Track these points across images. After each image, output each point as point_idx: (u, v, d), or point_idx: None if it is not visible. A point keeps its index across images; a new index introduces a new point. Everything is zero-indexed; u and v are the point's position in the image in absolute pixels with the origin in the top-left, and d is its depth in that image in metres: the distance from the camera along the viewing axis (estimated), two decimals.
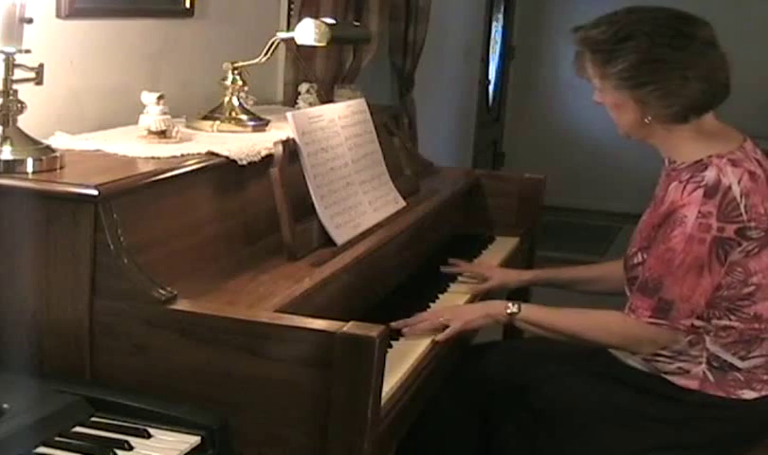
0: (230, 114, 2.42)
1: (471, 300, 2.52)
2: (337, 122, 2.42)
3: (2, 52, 1.76)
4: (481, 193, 3.21)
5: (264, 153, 2.17)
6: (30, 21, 1.79)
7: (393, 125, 3.00)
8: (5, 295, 1.74)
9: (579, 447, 2.19)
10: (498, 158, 7.35)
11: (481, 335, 2.56)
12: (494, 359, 2.38)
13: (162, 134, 2.11)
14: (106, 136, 2.13)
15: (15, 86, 1.80)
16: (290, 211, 2.09)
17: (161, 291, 1.70)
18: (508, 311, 2.20)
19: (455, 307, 2.36)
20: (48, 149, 1.84)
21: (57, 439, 1.45)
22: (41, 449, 1.42)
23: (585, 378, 2.23)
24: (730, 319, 2.09)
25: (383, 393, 1.73)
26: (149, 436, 1.51)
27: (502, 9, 6.95)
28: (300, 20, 2.57)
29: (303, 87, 2.89)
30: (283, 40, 2.55)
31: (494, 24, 6.78)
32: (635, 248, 2.19)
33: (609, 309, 2.17)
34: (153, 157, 1.97)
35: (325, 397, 1.64)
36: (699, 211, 2.00)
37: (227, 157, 2.06)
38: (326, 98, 2.99)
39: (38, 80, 1.83)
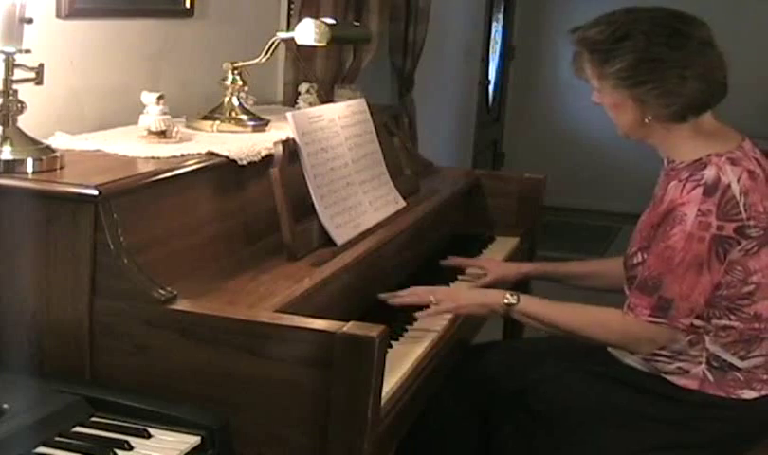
0: (230, 114, 2.42)
1: None
2: (337, 122, 2.42)
3: (2, 52, 1.76)
4: (481, 193, 3.21)
5: (264, 153, 2.17)
6: (30, 21, 1.79)
7: (393, 125, 3.00)
8: (5, 295, 1.74)
9: (579, 447, 2.19)
10: (498, 158, 7.35)
11: (481, 335, 2.57)
12: (494, 359, 2.38)
13: (162, 134, 2.11)
14: (106, 136, 2.13)
15: (15, 86, 1.80)
16: (290, 211, 2.09)
17: (161, 291, 1.70)
18: (506, 301, 2.20)
19: (452, 289, 2.40)
20: (48, 149, 1.84)
21: (57, 439, 1.45)
22: (41, 449, 1.42)
23: (584, 378, 2.23)
24: (730, 319, 2.09)
25: (383, 393, 1.73)
26: (149, 436, 1.51)
27: (502, 9, 6.95)
28: (300, 20, 2.57)
29: (303, 87, 2.89)
30: (283, 40, 2.55)
31: (494, 24, 6.78)
32: (635, 248, 2.19)
33: (608, 306, 2.17)
34: (153, 157, 1.97)
35: (325, 397, 1.64)
36: (698, 210, 2.01)
37: (227, 157, 2.06)
38: (326, 98, 2.99)
39: (38, 80, 1.83)
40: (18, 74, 1.80)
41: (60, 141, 2.02)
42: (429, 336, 2.18)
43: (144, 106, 2.13)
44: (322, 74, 3.30)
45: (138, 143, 2.08)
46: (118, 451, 1.45)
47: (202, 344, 1.67)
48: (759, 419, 2.16)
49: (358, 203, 2.39)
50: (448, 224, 3.01)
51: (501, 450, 2.32)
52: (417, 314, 2.23)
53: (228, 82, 2.44)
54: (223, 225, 2.05)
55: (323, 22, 2.41)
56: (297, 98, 2.90)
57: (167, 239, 1.87)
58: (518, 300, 2.19)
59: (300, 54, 3.10)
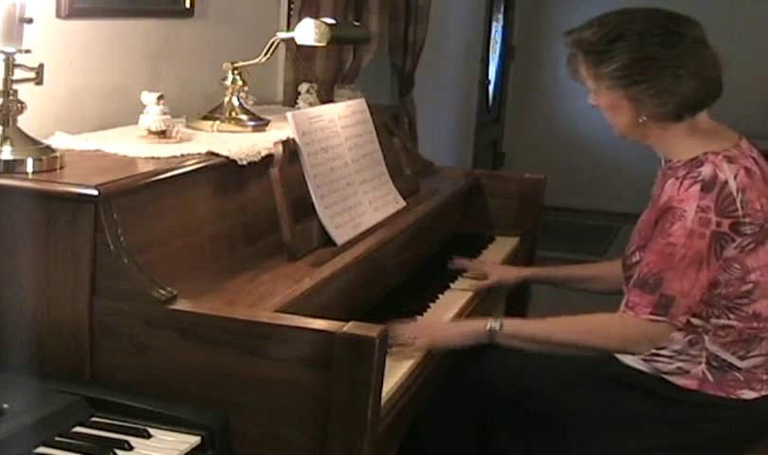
0: (230, 114, 2.42)
1: (473, 299, 2.52)
2: (337, 122, 2.42)
3: (2, 52, 1.76)
4: (481, 193, 3.21)
5: (264, 153, 2.17)
6: (30, 21, 1.79)
7: (393, 125, 3.00)
8: (5, 295, 1.74)
9: (578, 449, 2.19)
10: (498, 158, 7.35)
11: None
12: (492, 362, 2.38)
13: (162, 134, 2.11)
14: (106, 136, 2.13)
15: (15, 86, 1.80)
16: (290, 211, 2.09)
17: (161, 291, 1.70)
18: (488, 327, 2.13)
19: (429, 323, 2.27)
20: (48, 149, 1.84)
21: (57, 439, 1.45)
22: (41, 449, 1.42)
23: (583, 379, 2.23)
24: (729, 318, 2.09)
25: (383, 393, 1.73)
26: (149, 436, 1.51)
27: (502, 9, 6.95)
28: (300, 20, 2.57)
29: (303, 87, 2.89)
30: (283, 40, 2.55)
31: (494, 24, 6.78)
32: (634, 247, 2.19)
33: (606, 310, 2.16)
34: (153, 157, 1.97)
35: (325, 397, 1.64)
36: (698, 206, 2.01)
37: (227, 157, 2.06)
38: (326, 98, 2.99)
39: (38, 80, 1.83)
40: (18, 74, 1.80)
41: (60, 141, 2.02)
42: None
43: (144, 106, 2.13)
44: (322, 74, 3.30)
45: (138, 143, 2.08)
46: (118, 451, 1.45)
47: (202, 344, 1.68)
48: (759, 419, 2.16)
49: (358, 203, 2.39)
50: (448, 224, 3.01)
51: (500, 451, 2.32)
52: (392, 353, 2.02)
53: (228, 82, 2.44)
54: (223, 225, 2.05)
55: (323, 22, 2.41)
56: (297, 98, 2.90)
57: (167, 239, 1.87)
58: (501, 326, 2.13)
59: (300, 54, 3.10)
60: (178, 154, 2.01)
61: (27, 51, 1.80)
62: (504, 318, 2.19)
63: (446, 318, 2.34)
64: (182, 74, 2.64)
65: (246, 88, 2.46)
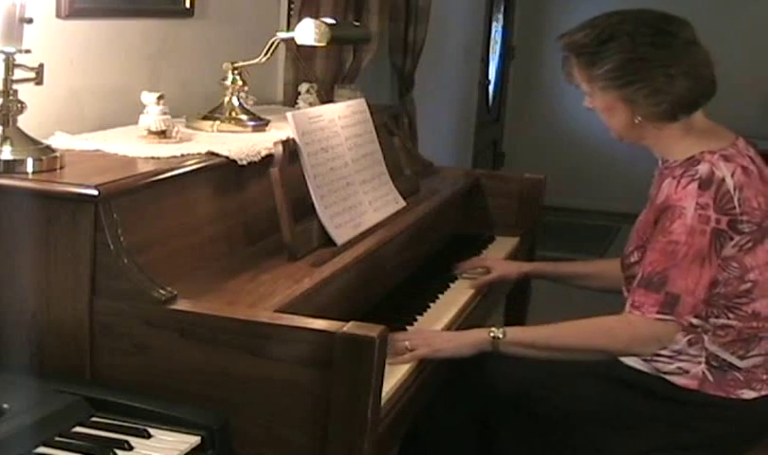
0: (230, 114, 2.42)
1: (473, 298, 2.52)
2: (337, 122, 2.42)
3: (2, 52, 1.76)
4: (481, 193, 3.21)
5: (264, 153, 2.17)
6: (30, 21, 1.79)
7: (393, 125, 3.00)
8: (5, 295, 1.74)
9: (579, 449, 2.19)
10: (498, 158, 7.35)
11: None
12: (493, 363, 2.37)
13: (162, 134, 2.11)
14: (106, 136, 2.13)
15: (15, 86, 1.80)
16: (290, 211, 2.09)
17: (161, 291, 1.70)
18: (492, 335, 2.10)
19: (429, 332, 2.22)
20: (48, 149, 1.84)
21: (57, 439, 1.45)
22: (41, 449, 1.42)
23: (584, 379, 2.23)
24: (728, 318, 2.09)
25: (383, 393, 1.73)
26: (149, 436, 1.51)
27: (502, 9, 6.95)
28: (300, 20, 2.57)
29: (303, 87, 2.89)
30: (283, 40, 2.55)
31: (494, 24, 6.78)
32: (632, 247, 2.19)
33: (606, 308, 2.16)
34: (153, 157, 1.97)
35: (325, 397, 1.64)
36: (697, 203, 2.01)
37: (227, 157, 2.06)
38: (326, 98, 2.99)
39: (38, 80, 1.83)
40: (18, 74, 1.80)
41: (60, 141, 2.02)
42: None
43: (144, 106, 2.13)
44: (322, 74, 3.30)
45: (138, 143, 2.08)
46: (118, 451, 1.45)
47: (202, 344, 1.67)
48: (759, 419, 2.16)
49: (358, 203, 2.39)
50: (448, 224, 3.01)
51: (501, 453, 2.32)
52: (389, 361, 1.97)
53: (228, 82, 2.44)
54: (223, 225, 2.05)
55: (323, 22, 2.41)
56: (297, 98, 2.90)
57: (167, 239, 1.87)
58: (504, 334, 2.11)
59: (300, 54, 3.10)
60: (178, 154, 2.01)
61: (27, 51, 1.80)
62: (507, 326, 2.17)
63: (446, 318, 2.33)
64: (182, 74, 2.64)
65: (246, 88, 2.46)
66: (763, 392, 2.13)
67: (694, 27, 2.13)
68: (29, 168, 1.77)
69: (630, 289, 2.11)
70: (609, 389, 2.19)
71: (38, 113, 1.97)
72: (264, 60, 2.47)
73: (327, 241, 2.19)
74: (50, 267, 1.71)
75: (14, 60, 1.78)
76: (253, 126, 2.41)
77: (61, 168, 1.82)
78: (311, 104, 2.77)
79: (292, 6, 3.16)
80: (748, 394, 2.12)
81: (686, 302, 2.02)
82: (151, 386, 1.68)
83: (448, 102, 5.71)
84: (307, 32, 2.40)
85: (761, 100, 6.85)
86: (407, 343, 2.06)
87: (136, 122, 2.16)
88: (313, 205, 2.21)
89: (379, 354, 1.63)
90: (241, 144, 2.16)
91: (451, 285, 2.58)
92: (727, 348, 2.11)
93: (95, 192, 1.68)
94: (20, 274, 1.73)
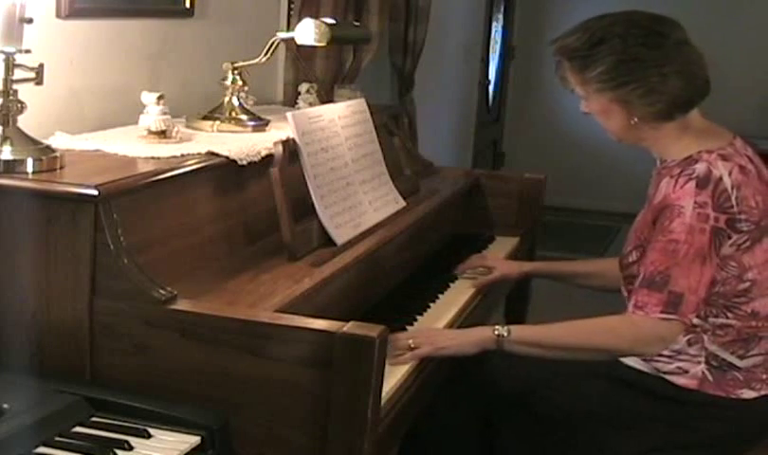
0: (230, 114, 2.42)
1: (473, 298, 2.52)
2: (337, 122, 2.42)
3: (2, 52, 1.76)
4: (481, 193, 3.21)
5: (264, 153, 2.17)
6: (30, 21, 1.79)
7: (393, 125, 3.00)
8: (5, 295, 1.74)
9: (579, 448, 2.19)
10: (498, 158, 7.35)
11: None
12: (495, 362, 2.37)
13: (162, 134, 2.11)
14: (106, 136, 2.13)
15: (15, 86, 1.80)
16: (290, 211, 2.09)
17: (161, 291, 1.70)
18: (496, 333, 2.10)
19: (432, 330, 2.22)
20: (48, 149, 1.84)
21: (57, 439, 1.45)
22: (41, 449, 1.42)
23: (585, 379, 2.23)
24: (727, 317, 2.09)
25: (383, 393, 1.73)
26: (149, 436, 1.51)
27: (502, 9, 6.95)
28: (300, 20, 2.57)
29: (303, 87, 2.89)
30: (283, 40, 2.55)
31: (494, 24, 6.78)
32: (630, 247, 2.19)
33: (607, 307, 2.17)
34: (153, 157, 1.97)
35: (325, 397, 1.64)
36: (695, 202, 2.01)
37: (227, 157, 2.06)
38: (326, 98, 2.99)
39: (38, 80, 1.83)
40: (18, 74, 1.80)
41: (60, 141, 2.02)
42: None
43: (144, 106, 2.13)
44: (322, 74, 3.30)
45: (138, 143, 2.08)
46: (118, 451, 1.45)
47: (202, 344, 1.67)
48: (759, 419, 2.16)
49: (358, 203, 2.39)
50: (448, 224, 3.01)
51: (503, 452, 2.32)
52: (391, 361, 1.98)
53: (228, 82, 2.44)
54: (223, 225, 2.05)
55: (323, 22, 2.41)
56: (297, 98, 2.90)
57: (167, 239, 1.87)
58: (509, 332, 2.10)
59: (300, 54, 3.10)
60: (178, 154, 2.01)
61: (27, 51, 1.80)
62: (511, 324, 2.16)
63: (446, 318, 2.33)
64: (182, 74, 2.64)
65: (246, 88, 2.46)
66: (763, 392, 2.13)
67: (693, 29, 2.14)
68: (29, 168, 1.77)
69: (631, 289, 2.11)
70: (609, 388, 2.19)
71: (38, 113, 1.97)
72: (264, 60, 2.47)
73: (327, 241, 2.19)
74: (50, 267, 1.71)
75: (14, 60, 1.78)
76: (253, 126, 2.41)
77: (61, 168, 1.82)
78: (311, 104, 2.77)
79: (292, 6, 3.16)
80: (748, 394, 2.12)
81: (690, 301, 2.02)
82: (151, 386, 1.68)
83: (448, 102, 5.71)
84: (307, 32, 2.40)
85: (760, 101, 6.85)
86: (410, 341, 2.06)
87: (136, 122, 2.16)
88: (313, 205, 2.21)
89: (379, 355, 1.63)
90: (241, 144, 2.16)
91: (451, 285, 2.58)
92: (727, 347, 2.11)
93: (95, 192, 1.68)
94: (20, 274, 1.73)
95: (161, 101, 2.12)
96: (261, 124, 2.43)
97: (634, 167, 4.39)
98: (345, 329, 1.64)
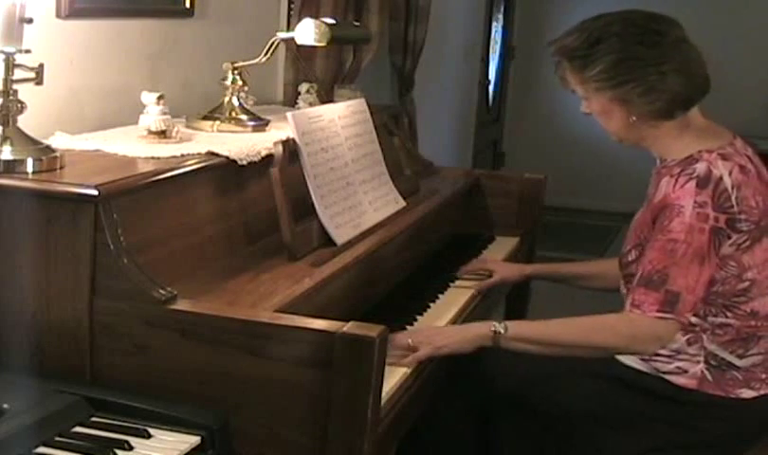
0: (230, 114, 2.42)
1: (473, 298, 2.52)
2: (337, 122, 2.42)
3: (2, 52, 1.76)
4: (481, 193, 3.21)
5: (264, 153, 2.17)
6: (30, 21, 1.79)
7: (393, 125, 3.00)
8: (5, 295, 1.74)
9: (578, 447, 2.19)
10: (498, 158, 7.35)
11: None
12: (494, 361, 2.38)
13: (162, 134, 2.11)
14: (106, 136, 2.13)
15: (15, 86, 1.80)
16: (290, 211, 2.09)
17: (161, 291, 1.70)
18: (493, 329, 2.10)
19: (430, 329, 2.21)
20: (48, 149, 1.84)
21: (57, 439, 1.46)
22: (41, 449, 1.43)
23: (584, 379, 2.23)
24: (726, 316, 2.10)
25: (383, 393, 1.73)
26: (149, 436, 1.51)
27: (502, 9, 6.95)
28: (300, 20, 2.57)
29: (303, 87, 2.89)
30: (283, 40, 2.55)
31: (494, 24, 6.78)
32: (629, 246, 2.19)
33: (608, 308, 2.17)
34: (153, 157, 1.97)
35: (325, 397, 1.64)
36: (695, 201, 2.01)
37: (227, 157, 2.06)
38: (326, 98, 2.99)
39: (38, 80, 1.83)
40: (18, 74, 1.80)
41: (60, 141, 2.02)
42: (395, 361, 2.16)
43: (144, 106, 2.13)
44: (322, 74, 3.30)
45: (138, 143, 2.08)
46: (118, 451, 1.45)
47: (202, 344, 1.67)
48: (758, 418, 2.16)
49: (358, 203, 2.39)
50: (448, 224, 3.01)
51: (500, 451, 2.32)
52: (390, 362, 1.94)
53: (228, 82, 2.44)
54: (223, 225, 2.05)
55: (323, 22, 2.41)
56: (297, 98, 2.90)
57: (167, 239, 1.87)
58: (506, 329, 2.10)
59: (300, 54, 3.10)
60: (178, 154, 2.01)
61: (27, 51, 1.80)
62: (508, 320, 2.17)
63: (446, 318, 2.33)
64: (182, 74, 2.64)
65: (246, 88, 2.46)
66: (762, 392, 2.13)
67: (694, 28, 2.14)
68: (29, 168, 1.77)
69: (630, 288, 2.11)
70: (608, 388, 2.19)
71: (38, 113, 1.97)
72: (264, 60, 2.47)
73: (327, 241, 2.19)
74: (50, 267, 1.71)
75: (14, 60, 1.78)
76: (253, 126, 2.41)
77: (61, 168, 1.82)
78: (311, 104, 2.77)
79: (292, 6, 3.16)
80: (747, 394, 2.12)
81: (687, 300, 2.02)
82: (151, 386, 1.68)
83: (448, 102, 5.71)
84: (307, 32, 2.40)
85: (763, 101, 6.85)
86: (409, 340, 2.06)
87: (136, 122, 2.16)
88: (313, 205, 2.21)
89: (379, 355, 1.63)
90: (241, 144, 2.16)
91: (451, 285, 2.58)
92: (726, 347, 2.11)
93: (95, 192, 1.68)
94: (20, 274, 1.73)
95: (161, 101, 2.12)
96: (261, 124, 2.43)
97: (634, 167, 4.39)
98: (345, 329, 1.64)
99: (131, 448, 1.46)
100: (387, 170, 2.61)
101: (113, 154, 1.99)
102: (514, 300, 3.15)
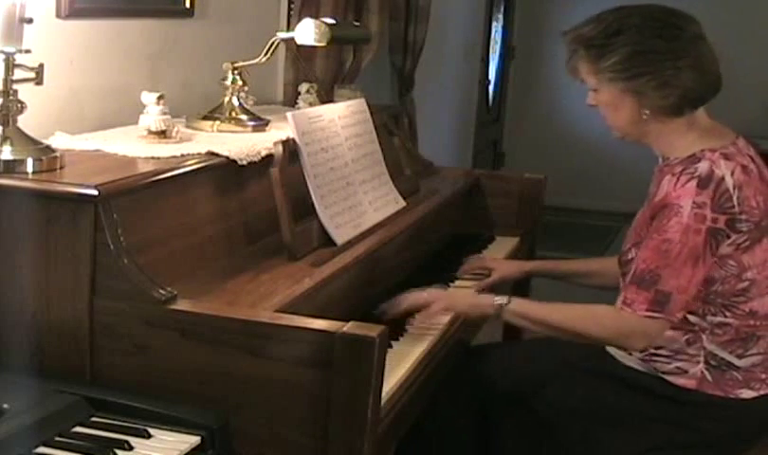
0: (230, 114, 2.42)
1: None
2: (337, 122, 2.42)
3: (2, 52, 1.76)
4: (481, 193, 3.21)
5: (264, 153, 2.17)
6: (30, 21, 1.79)
7: (393, 125, 3.00)
8: (5, 295, 1.74)
9: (578, 447, 2.20)
10: (498, 158, 7.35)
11: (480, 336, 2.57)
12: (493, 360, 2.38)
13: (162, 134, 2.11)
14: (106, 136, 2.13)
15: (15, 86, 1.80)
16: (290, 211, 2.09)
17: (161, 291, 1.70)
18: (497, 301, 2.18)
19: (443, 290, 2.38)
20: (48, 149, 1.84)
21: (57, 439, 1.46)
22: (41, 449, 1.43)
23: (584, 379, 2.23)
24: (725, 316, 2.10)
25: (383, 393, 1.73)
26: (149, 436, 1.51)
27: (502, 9, 6.95)
28: (300, 20, 2.57)
29: (303, 87, 2.89)
30: (283, 40, 2.55)
31: (494, 24, 6.78)
32: (630, 245, 2.19)
33: (601, 304, 2.17)
34: (153, 157, 1.97)
35: (325, 397, 1.64)
36: (694, 202, 2.01)
37: (227, 157, 2.06)
38: (326, 98, 2.99)
39: (38, 80, 1.83)
40: (18, 74, 1.80)
41: (60, 141, 2.02)
42: (429, 336, 2.18)
43: (144, 106, 2.13)
44: (322, 74, 3.30)
45: (138, 143, 2.08)
46: (118, 451, 1.45)
47: (202, 344, 1.67)
48: (758, 419, 2.16)
49: (358, 203, 2.39)
50: (448, 224, 3.01)
51: (500, 451, 2.32)
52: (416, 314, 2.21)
53: (228, 82, 2.44)
54: (223, 225, 2.05)
55: (323, 22, 2.41)
56: (297, 98, 2.90)
57: (167, 239, 1.87)
58: (509, 301, 2.17)
59: (300, 54, 3.10)
60: (178, 154, 2.01)
61: (27, 51, 1.80)
62: (515, 297, 2.22)
63: (446, 317, 2.33)
64: (182, 74, 2.64)
65: (246, 88, 2.46)
66: (762, 392, 2.13)
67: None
68: (29, 168, 1.77)
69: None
70: (608, 388, 2.19)
71: (38, 113, 1.97)
72: (264, 60, 2.47)
73: (327, 241, 2.20)
74: (50, 267, 1.71)
75: (14, 60, 1.78)
76: (253, 126, 2.41)
77: (61, 168, 1.82)
78: (311, 104, 2.77)
79: (292, 6, 3.16)
80: (747, 394, 2.12)
81: (677, 300, 2.03)
82: (151, 386, 1.68)
83: (448, 102, 5.72)
84: (307, 32, 2.40)
85: (765, 101, 6.85)
86: (425, 295, 2.19)
87: (136, 122, 2.16)
88: (313, 205, 2.21)
89: (379, 354, 1.63)
90: (241, 144, 2.16)
91: (451, 285, 2.58)
92: (726, 347, 2.11)
93: (95, 192, 1.68)
94: (20, 274, 1.73)
95: (161, 101, 2.12)
96: (261, 124, 2.43)
97: (634, 167, 4.40)
98: (345, 329, 1.64)
99: (131, 448, 1.46)
100: (387, 170, 2.61)
101: (113, 154, 1.99)
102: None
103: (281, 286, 1.90)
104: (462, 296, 2.37)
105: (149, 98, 2.13)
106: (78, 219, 1.69)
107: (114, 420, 1.54)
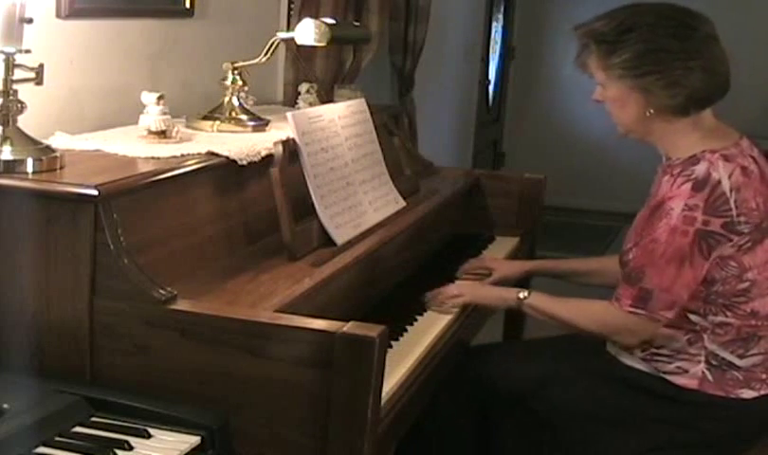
0: (230, 114, 2.42)
1: None
2: (337, 122, 2.42)
3: (2, 52, 1.76)
4: (481, 193, 3.21)
5: (264, 153, 2.17)
6: (30, 21, 1.79)
7: (393, 125, 3.00)
8: (5, 295, 1.74)
9: (578, 446, 2.20)
10: (498, 158, 7.35)
11: (480, 335, 2.57)
12: (494, 360, 2.38)
13: (162, 134, 2.11)
14: (106, 136, 2.13)
15: (15, 86, 1.80)
16: (290, 211, 2.09)
17: (161, 291, 1.70)
18: (520, 296, 2.30)
19: (471, 284, 2.51)
20: (48, 149, 1.84)
21: (57, 439, 1.45)
22: (41, 449, 1.42)
23: (584, 379, 2.23)
24: (726, 316, 2.10)
25: (383, 393, 1.73)
26: (149, 436, 1.51)
27: (502, 9, 6.95)
28: (300, 20, 2.57)
29: (303, 87, 2.89)
30: (283, 40, 2.55)
31: (494, 24, 6.79)
32: (630, 244, 2.19)
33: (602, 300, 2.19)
34: (153, 157, 1.97)
35: (325, 397, 1.64)
36: (685, 204, 2.02)
37: (227, 157, 2.06)
38: (326, 98, 2.99)
39: (38, 80, 1.83)
40: (18, 74, 1.80)
41: (60, 141, 2.02)
42: (429, 336, 2.18)
43: (144, 106, 2.13)
44: (322, 74, 3.30)
45: (138, 143, 2.08)
46: (118, 451, 1.45)
47: (202, 344, 1.67)
48: (759, 419, 2.16)
49: (358, 203, 2.39)
50: (448, 224, 3.01)
51: (500, 451, 2.32)
52: (434, 309, 2.35)
53: (228, 82, 2.44)
54: (223, 225, 2.05)
55: (323, 22, 2.41)
56: (297, 98, 2.90)
57: (167, 239, 1.87)
58: (528, 296, 2.30)
59: (300, 54, 3.10)
60: (178, 154, 2.01)
61: (27, 51, 1.80)
62: (535, 291, 2.34)
63: (446, 317, 2.34)
64: (182, 74, 2.64)
65: (246, 88, 2.46)
66: (763, 392, 2.13)
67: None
68: (29, 168, 1.77)
69: None
70: (609, 388, 2.19)
71: (38, 113, 1.97)
72: (264, 60, 2.47)
73: (327, 241, 2.19)
74: (50, 267, 1.71)
75: (14, 60, 1.78)
76: (253, 126, 2.41)
77: (61, 168, 1.82)
78: (311, 104, 2.77)
79: (292, 6, 3.16)
80: (747, 394, 2.12)
81: (660, 299, 2.05)
82: (151, 386, 1.68)
83: (448, 102, 5.72)
84: (307, 32, 2.40)
85: (766, 101, 6.85)
86: (454, 289, 2.35)
87: (136, 122, 2.16)
88: (313, 205, 2.21)
89: (379, 354, 1.63)
90: (241, 144, 2.16)
91: (455, 283, 2.57)
92: (726, 347, 2.11)
93: (95, 192, 1.68)
94: (20, 274, 1.73)
95: (161, 101, 2.12)
96: (261, 124, 2.43)
97: (635, 167, 4.40)
98: (345, 329, 1.64)
99: (131, 448, 1.46)
100: (387, 170, 2.61)
101: (113, 154, 1.99)
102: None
103: (281, 286, 1.90)
104: (488, 289, 2.50)
105: (149, 98, 2.13)
106: (78, 219, 1.69)
107: (114, 420, 1.54)
